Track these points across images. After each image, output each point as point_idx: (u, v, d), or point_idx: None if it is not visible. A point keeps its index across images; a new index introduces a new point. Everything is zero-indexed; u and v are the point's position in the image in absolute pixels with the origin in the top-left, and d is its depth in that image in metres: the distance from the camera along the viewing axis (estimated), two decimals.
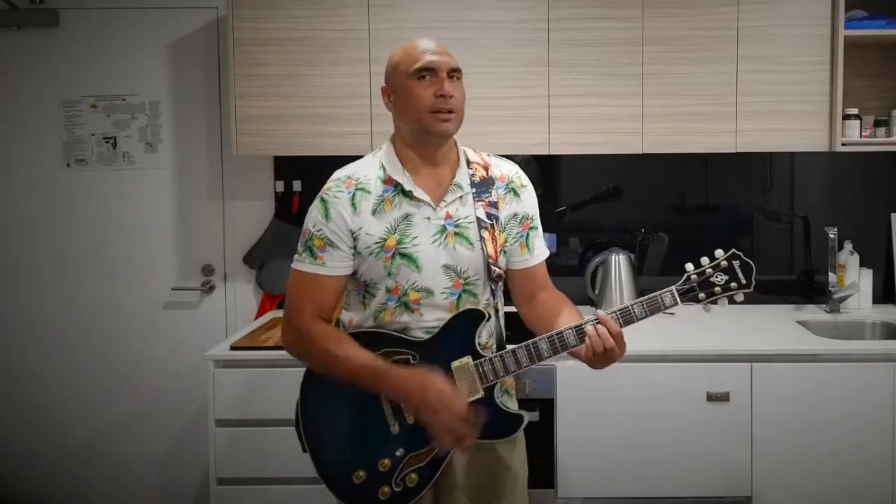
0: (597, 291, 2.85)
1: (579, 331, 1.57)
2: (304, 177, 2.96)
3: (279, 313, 2.91)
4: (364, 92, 2.61)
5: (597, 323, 1.56)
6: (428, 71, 1.60)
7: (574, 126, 2.62)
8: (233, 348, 2.44)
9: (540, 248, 1.76)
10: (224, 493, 2.42)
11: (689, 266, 1.61)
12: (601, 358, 1.56)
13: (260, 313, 2.96)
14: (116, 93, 2.97)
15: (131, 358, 3.01)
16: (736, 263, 1.60)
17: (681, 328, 2.63)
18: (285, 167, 2.96)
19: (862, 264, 2.87)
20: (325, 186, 1.68)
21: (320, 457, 1.68)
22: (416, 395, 1.54)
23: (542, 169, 2.95)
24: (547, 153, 2.64)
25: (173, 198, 3.00)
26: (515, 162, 1.80)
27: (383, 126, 2.61)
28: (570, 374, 2.32)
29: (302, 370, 1.75)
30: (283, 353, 2.35)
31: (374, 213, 1.63)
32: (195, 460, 2.99)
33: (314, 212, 1.66)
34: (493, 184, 1.70)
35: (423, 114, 1.59)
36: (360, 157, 1.77)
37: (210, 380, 2.39)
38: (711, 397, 2.33)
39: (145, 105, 2.98)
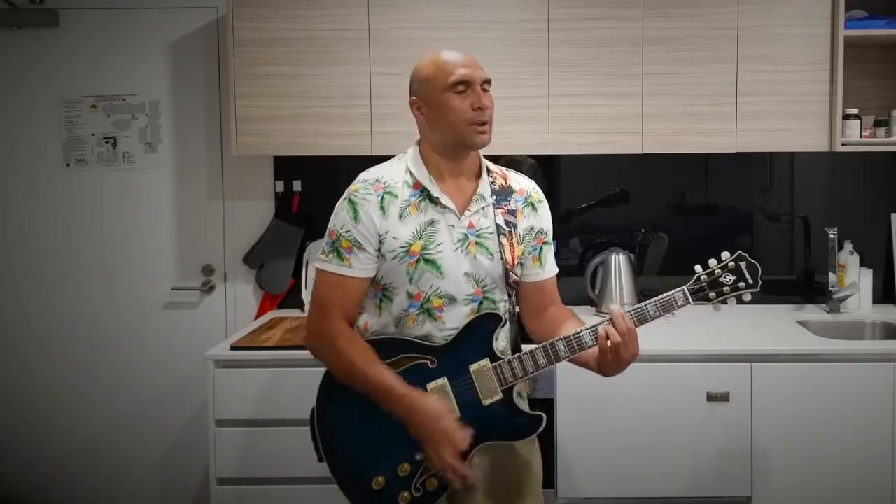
0: (597, 291, 2.85)
1: (593, 331, 1.60)
2: (304, 177, 2.96)
3: (279, 313, 2.91)
4: (364, 92, 2.61)
5: (610, 322, 1.59)
6: (464, 84, 1.61)
7: (574, 126, 2.62)
8: (233, 348, 2.44)
9: (551, 263, 1.79)
10: (224, 493, 2.42)
11: (698, 268, 1.65)
12: (613, 359, 1.58)
13: (260, 313, 2.96)
14: (116, 93, 2.97)
15: (131, 358, 3.01)
16: (742, 265, 1.64)
17: (681, 328, 2.63)
18: (285, 167, 2.96)
19: (862, 264, 2.87)
20: (353, 188, 1.67)
21: (338, 465, 1.67)
22: (424, 428, 1.56)
23: (542, 169, 2.94)
24: (547, 153, 2.64)
25: (173, 198, 3.00)
26: (520, 164, 1.82)
27: (383, 126, 2.61)
28: (570, 374, 2.32)
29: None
30: (283, 353, 2.38)
31: (400, 217, 1.64)
32: (195, 460, 2.99)
33: (342, 213, 1.65)
34: (511, 193, 1.73)
35: (461, 126, 1.61)
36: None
37: (210, 380, 2.39)
38: (711, 397, 2.33)
39: (145, 105, 2.98)
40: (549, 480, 2.33)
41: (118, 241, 3.00)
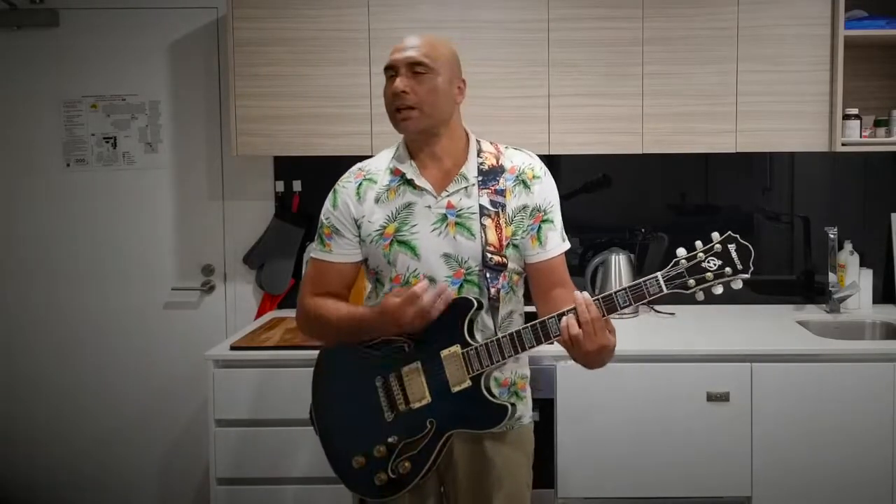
0: (597, 291, 2.85)
1: (561, 318, 1.52)
2: (304, 177, 2.96)
3: (279, 313, 2.91)
4: (364, 92, 2.61)
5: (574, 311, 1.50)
6: (391, 69, 1.66)
7: (574, 126, 2.62)
8: (233, 348, 2.44)
9: (554, 243, 1.69)
10: (224, 493, 2.42)
11: (681, 251, 1.51)
12: (577, 351, 1.51)
13: (260, 313, 2.96)
14: (116, 93, 2.97)
15: (131, 358, 3.01)
16: (732, 247, 1.49)
17: (681, 328, 2.64)
18: (285, 167, 2.96)
19: (862, 264, 2.87)
20: (341, 178, 1.75)
21: (327, 443, 1.73)
22: (380, 326, 1.60)
23: None
24: (547, 153, 2.63)
25: (173, 198, 3.00)
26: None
27: (383, 126, 2.58)
28: (570, 374, 2.32)
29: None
30: (282, 354, 2.38)
31: (377, 201, 1.68)
32: (195, 460, 2.99)
33: (327, 202, 1.74)
34: (501, 173, 1.69)
35: (389, 111, 1.68)
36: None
37: (210, 380, 2.39)
38: (711, 397, 2.33)
39: (145, 105, 2.98)
40: (549, 480, 2.34)
41: (118, 241, 3.00)
